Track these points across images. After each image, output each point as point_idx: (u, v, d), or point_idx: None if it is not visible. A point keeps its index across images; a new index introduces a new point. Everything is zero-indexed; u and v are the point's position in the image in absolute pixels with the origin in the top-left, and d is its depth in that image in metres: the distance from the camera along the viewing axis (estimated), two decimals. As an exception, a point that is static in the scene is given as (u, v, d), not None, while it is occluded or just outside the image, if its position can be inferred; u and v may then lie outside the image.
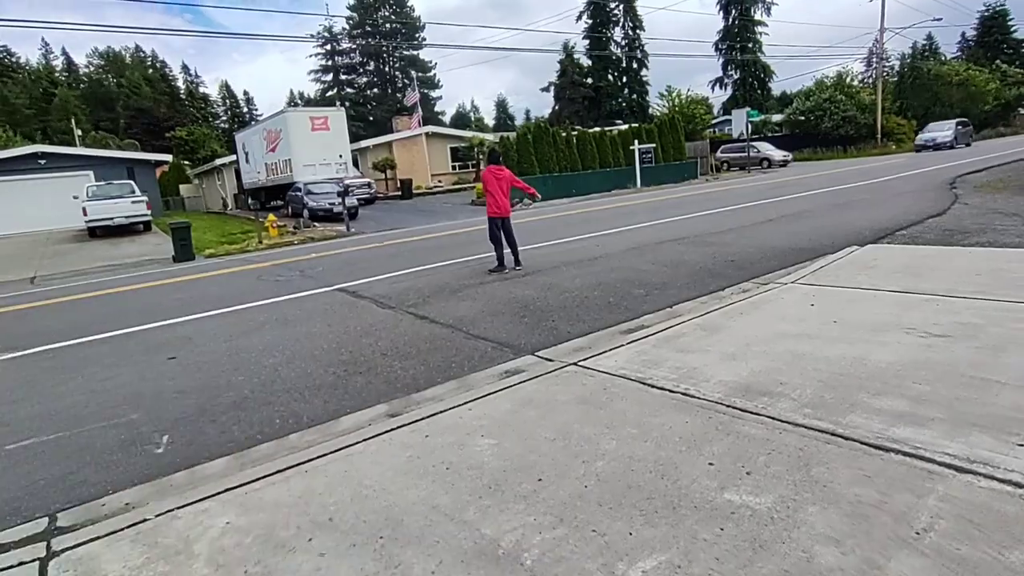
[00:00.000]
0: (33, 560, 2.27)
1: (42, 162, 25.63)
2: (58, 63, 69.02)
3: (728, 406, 2.98)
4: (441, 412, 3.29)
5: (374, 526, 2.25)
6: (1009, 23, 55.78)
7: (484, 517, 2.23)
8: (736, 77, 60.03)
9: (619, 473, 2.45)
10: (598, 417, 3.01)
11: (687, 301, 5.54)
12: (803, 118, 41.80)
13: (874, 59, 48.04)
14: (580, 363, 3.87)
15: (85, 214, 19.42)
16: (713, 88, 61.75)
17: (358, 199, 21.92)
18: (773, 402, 2.97)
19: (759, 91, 59.24)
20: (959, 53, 58.54)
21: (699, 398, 3.11)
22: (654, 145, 27.78)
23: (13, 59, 64.69)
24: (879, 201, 12.34)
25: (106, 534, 2.39)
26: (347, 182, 21.14)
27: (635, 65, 61.23)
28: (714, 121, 48.67)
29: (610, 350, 4.08)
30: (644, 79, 61.65)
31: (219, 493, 2.62)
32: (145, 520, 2.46)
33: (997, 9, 55.90)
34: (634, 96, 61.08)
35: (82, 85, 67.12)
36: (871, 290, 4.91)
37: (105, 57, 68.69)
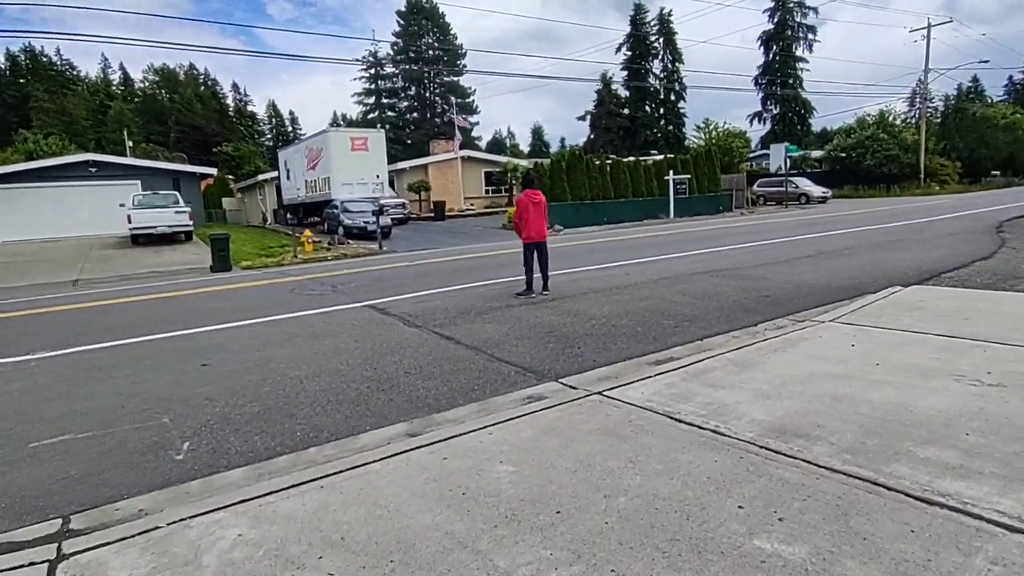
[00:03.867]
0: (43, 561, 2.26)
1: (93, 170, 26.73)
2: (115, 77, 72.52)
3: (760, 447, 2.84)
4: (461, 435, 3.22)
5: (386, 548, 2.18)
6: (1062, 66, 54.42)
7: (499, 548, 2.14)
8: (775, 112, 59.42)
9: (642, 510, 2.33)
10: (622, 450, 2.90)
11: (718, 335, 5.39)
12: (844, 155, 41.21)
13: (918, 99, 47.16)
14: (605, 392, 3.76)
15: (129, 222, 20.05)
16: (752, 122, 61.19)
17: (392, 219, 22.27)
18: (809, 445, 2.82)
19: (799, 127, 58.53)
20: (1006, 96, 57.12)
21: (730, 436, 2.98)
22: (689, 176, 27.57)
23: (74, 72, 68.37)
24: (923, 241, 11.94)
25: (116, 540, 2.37)
26: (382, 202, 21.51)
27: (673, 97, 61.26)
28: (751, 155, 48.20)
29: (637, 381, 3.97)
30: (681, 111, 61.59)
31: (233, 504, 2.59)
32: (157, 528, 2.44)
33: (1049, 52, 54.65)
34: (670, 127, 60.96)
35: (136, 99, 70.23)
36: (917, 333, 4.69)
37: (160, 73, 71.91)
